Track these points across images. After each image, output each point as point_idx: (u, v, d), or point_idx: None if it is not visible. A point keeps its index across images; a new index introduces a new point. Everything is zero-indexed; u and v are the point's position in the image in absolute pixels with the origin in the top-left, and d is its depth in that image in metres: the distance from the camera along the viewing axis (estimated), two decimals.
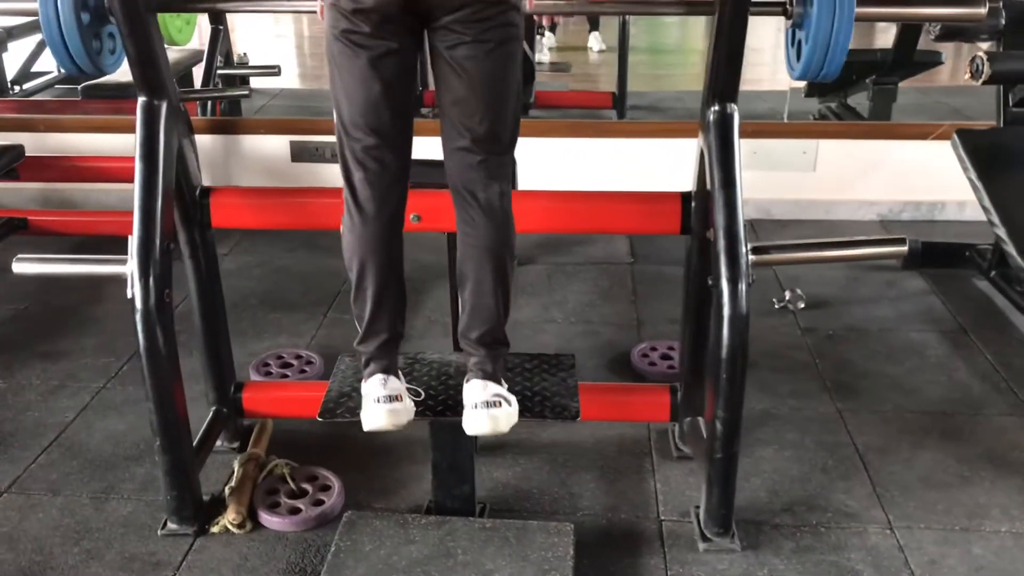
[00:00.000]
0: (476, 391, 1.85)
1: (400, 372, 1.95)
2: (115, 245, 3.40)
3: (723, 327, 1.88)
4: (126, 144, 3.71)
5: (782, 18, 1.94)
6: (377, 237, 1.80)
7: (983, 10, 1.84)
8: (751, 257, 1.89)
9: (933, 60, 4.50)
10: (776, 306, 3.11)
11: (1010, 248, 2.67)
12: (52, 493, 2.23)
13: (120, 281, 2.93)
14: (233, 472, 2.23)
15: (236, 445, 2.39)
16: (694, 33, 8.23)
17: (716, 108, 1.92)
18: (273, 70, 4.42)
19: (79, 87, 4.38)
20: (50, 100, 4.69)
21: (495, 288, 1.83)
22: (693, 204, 2.09)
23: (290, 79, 5.90)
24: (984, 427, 2.47)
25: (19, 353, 2.87)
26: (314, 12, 1.84)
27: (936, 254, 3.40)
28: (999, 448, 2.38)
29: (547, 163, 3.56)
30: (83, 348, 2.91)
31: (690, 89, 6.53)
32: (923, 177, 3.83)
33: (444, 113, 1.77)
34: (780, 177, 3.72)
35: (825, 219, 3.89)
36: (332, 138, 3.93)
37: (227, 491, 2.17)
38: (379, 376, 1.86)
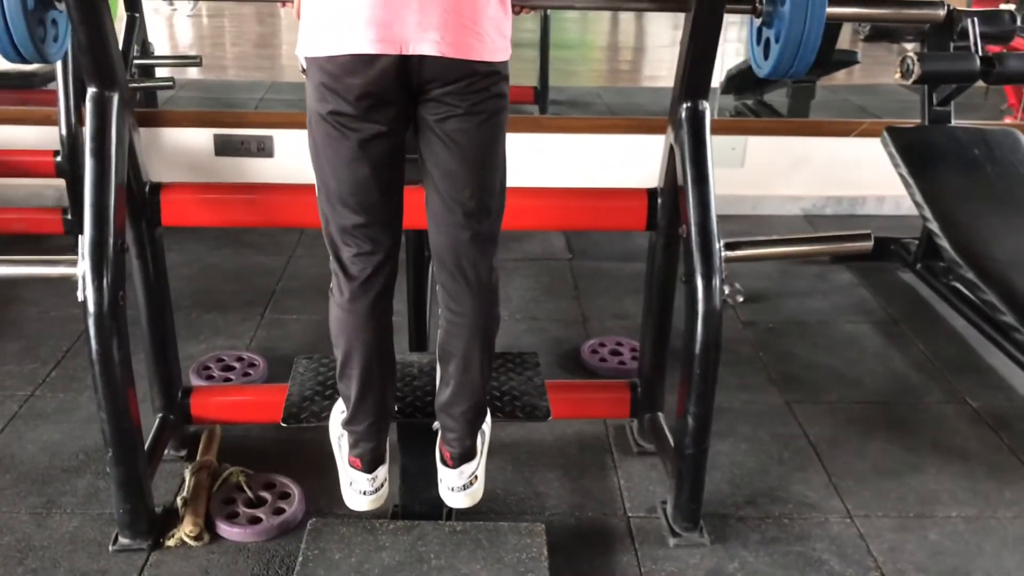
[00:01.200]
0: (452, 478, 1.85)
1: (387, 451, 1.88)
2: (26, 246, 3.24)
3: (697, 323, 1.89)
4: (35, 136, 3.54)
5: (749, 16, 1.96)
6: (367, 313, 1.69)
7: (942, 12, 1.90)
8: (724, 253, 1.90)
9: (850, 59, 4.66)
10: None
11: (943, 242, 2.77)
12: None
13: (32, 282, 2.79)
14: (184, 481, 2.13)
15: (184, 453, 2.28)
16: (595, 28, 8.33)
17: (688, 105, 1.93)
18: (195, 59, 4.25)
19: None
20: None
21: (482, 366, 1.76)
22: (660, 200, 2.10)
23: (203, 69, 5.71)
24: (925, 416, 2.56)
25: None
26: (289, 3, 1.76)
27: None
28: (941, 436, 2.47)
29: None
30: (4, 353, 2.74)
31: (606, 85, 6.64)
32: (845, 173, 3.95)
33: (432, 186, 1.67)
34: None
35: (752, 214, 3.98)
36: (259, 131, 3.83)
37: (180, 502, 2.07)
38: (368, 475, 1.82)
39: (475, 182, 1.64)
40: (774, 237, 2.10)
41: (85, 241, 1.81)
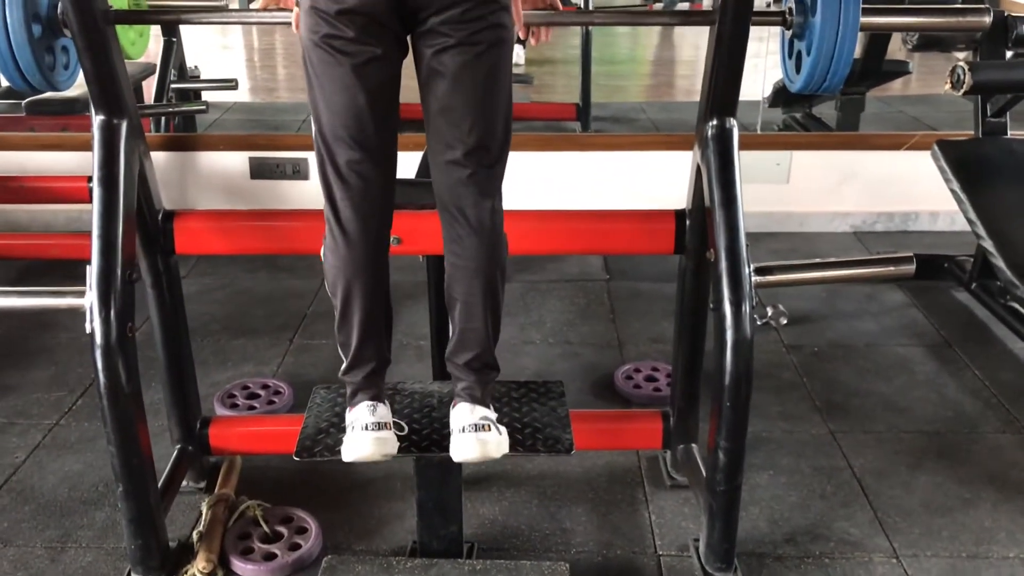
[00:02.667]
0: (463, 415, 1.73)
1: (386, 400, 1.81)
2: (65, 269, 3.23)
3: (726, 352, 1.78)
4: (74, 162, 3.56)
5: (780, 28, 1.86)
6: (362, 259, 1.67)
7: (987, 19, 1.78)
8: (754, 278, 1.80)
9: (901, 70, 4.50)
10: (759, 323, 3.03)
11: (998, 261, 2.61)
12: (2, 544, 2.06)
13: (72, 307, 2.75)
14: (201, 515, 2.08)
15: (203, 485, 2.24)
16: (645, 42, 8.24)
17: (715, 123, 1.83)
18: (230, 83, 4.26)
19: (23, 103, 4.19)
20: None
21: (485, 311, 1.72)
22: (688, 222, 2.00)
23: (242, 92, 5.73)
24: (980, 446, 2.41)
25: None
26: (288, 24, 1.71)
27: (916, 266, 3.35)
28: (998, 468, 2.32)
29: (515, 178, 3.46)
30: (32, 382, 2.73)
31: (650, 100, 6.54)
32: (896, 188, 3.80)
33: (430, 124, 1.65)
34: (753, 189, 3.60)
35: (799, 231, 3.84)
36: (293, 154, 3.81)
37: (195, 536, 2.03)
38: (367, 403, 1.73)
39: (473, 117, 1.60)
40: (809, 261, 1.99)
41: (92, 271, 1.77)
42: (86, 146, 3.45)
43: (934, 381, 2.73)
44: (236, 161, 3.73)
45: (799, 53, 1.83)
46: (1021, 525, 2.11)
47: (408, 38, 1.60)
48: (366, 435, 1.71)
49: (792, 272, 1.90)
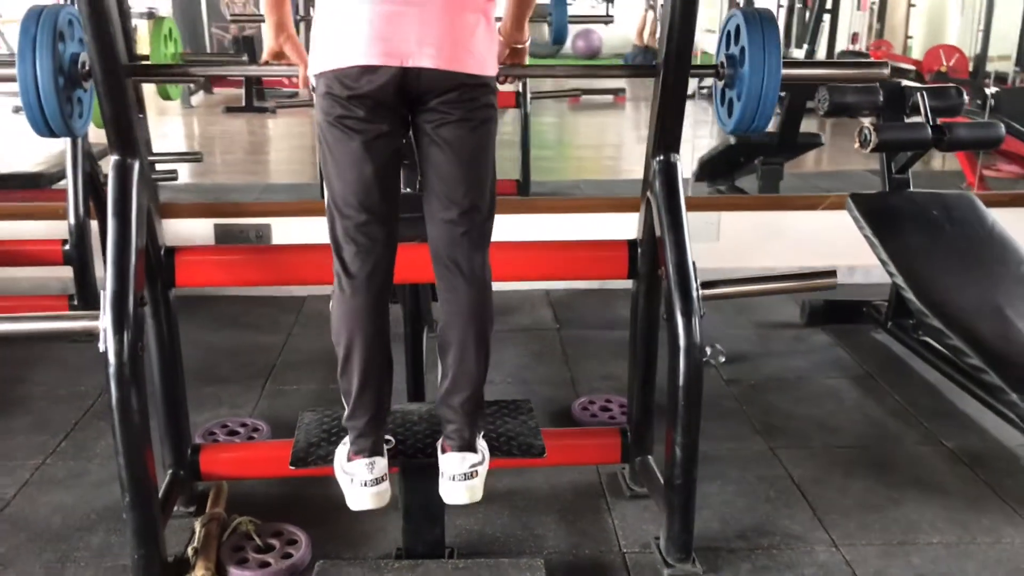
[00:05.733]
0: (454, 464, 1.92)
1: (385, 451, 1.97)
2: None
3: (679, 357, 2.02)
4: (41, 229, 3.70)
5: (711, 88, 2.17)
6: (365, 309, 1.85)
7: (886, 71, 2.10)
8: (701, 291, 2.06)
9: (814, 142, 4.92)
10: None
11: (908, 293, 2.94)
12: (2, 567, 2.15)
13: (39, 364, 2.92)
14: (195, 533, 2.21)
15: (192, 509, 2.36)
16: (575, 130, 8.69)
17: (661, 158, 2.11)
18: (196, 156, 4.46)
19: None
20: None
21: (478, 353, 1.91)
22: (640, 250, 2.26)
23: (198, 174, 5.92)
24: (904, 457, 2.68)
25: None
26: (295, 76, 1.95)
27: (837, 311, 3.69)
28: (920, 473, 2.58)
29: None
30: (12, 429, 2.82)
31: (584, 178, 6.90)
32: (815, 244, 4.13)
33: (430, 189, 1.88)
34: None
35: None
36: (256, 220, 4.00)
37: (191, 552, 2.15)
38: (366, 461, 1.91)
39: (468, 182, 1.84)
40: (746, 276, 2.26)
41: (107, 295, 1.94)
42: (53, 215, 3.64)
43: (860, 406, 3.01)
44: (202, 228, 3.91)
45: (731, 100, 2.12)
46: (943, 518, 2.36)
47: (410, 117, 1.84)
48: (365, 491, 1.91)
49: (732, 286, 2.16)
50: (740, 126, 2.09)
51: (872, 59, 7.50)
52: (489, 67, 1.82)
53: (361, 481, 1.91)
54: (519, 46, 2.04)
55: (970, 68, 6.91)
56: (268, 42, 1.95)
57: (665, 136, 2.10)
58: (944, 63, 6.95)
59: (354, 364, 1.89)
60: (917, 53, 8.00)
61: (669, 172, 2.10)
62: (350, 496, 1.93)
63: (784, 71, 2.03)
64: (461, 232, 1.87)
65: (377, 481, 1.91)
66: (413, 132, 1.87)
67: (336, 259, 1.88)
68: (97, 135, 3.14)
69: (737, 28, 2.06)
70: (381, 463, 1.93)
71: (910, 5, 8.82)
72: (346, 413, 1.96)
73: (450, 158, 1.83)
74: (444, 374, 1.97)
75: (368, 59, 1.72)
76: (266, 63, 2.00)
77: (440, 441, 2.00)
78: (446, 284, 1.92)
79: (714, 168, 5.07)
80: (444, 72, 1.74)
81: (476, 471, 1.93)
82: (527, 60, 2.10)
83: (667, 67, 2.04)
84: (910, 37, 8.74)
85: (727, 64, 2.11)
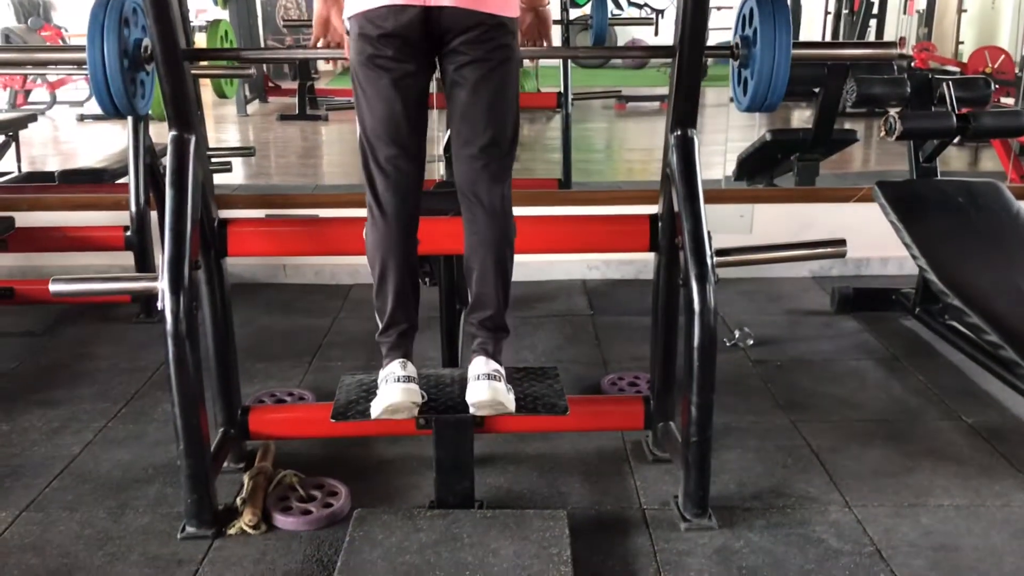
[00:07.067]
0: (479, 365, 2.09)
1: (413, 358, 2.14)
2: (96, 313, 3.63)
3: (694, 319, 2.15)
4: (103, 218, 3.93)
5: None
6: (397, 235, 2.06)
7: (895, 51, 2.21)
8: (715, 259, 2.18)
9: (850, 138, 4.99)
10: (727, 344, 3.40)
11: (931, 275, 3.02)
12: (69, 510, 2.34)
13: (103, 340, 3.11)
14: (243, 485, 2.37)
15: (242, 466, 2.53)
16: (616, 135, 8.81)
17: (678, 133, 2.24)
18: (248, 150, 4.68)
19: (55, 173, 4.60)
20: (31, 186, 4.86)
21: (496, 278, 2.09)
22: (660, 224, 2.39)
23: (251, 175, 6.16)
24: (922, 430, 2.76)
25: (17, 403, 2.97)
26: (343, 58, 2.12)
27: (866, 298, 3.76)
28: (936, 445, 2.66)
29: None
30: (79, 397, 3.03)
31: (625, 179, 7.02)
32: (848, 236, 4.15)
33: (453, 125, 2.07)
34: (720, 239, 4.04)
35: (763, 276, 4.23)
36: (306, 211, 4.19)
37: (239, 501, 2.32)
38: (398, 360, 2.08)
39: (487, 120, 2.00)
40: (759, 244, 2.37)
41: (165, 259, 2.13)
42: (116, 206, 3.86)
43: (883, 385, 3.09)
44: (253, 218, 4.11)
45: (745, 79, 2.25)
46: (955, 484, 2.44)
47: (436, 59, 2.02)
48: (397, 385, 2.06)
49: (745, 253, 2.28)
50: (754, 103, 2.21)
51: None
52: (509, 8, 1.96)
53: (394, 376, 2.07)
54: (541, 8, 2.19)
55: (1016, 71, 6.91)
56: (317, 7, 2.12)
57: (682, 112, 2.23)
58: (989, 64, 6.95)
59: (387, 285, 2.09)
60: (968, 58, 8.00)
61: (686, 146, 2.23)
62: (383, 393, 2.07)
63: (795, 51, 2.15)
64: (481, 165, 2.04)
65: (408, 379, 2.07)
66: (441, 78, 2.05)
67: (368, 191, 2.07)
68: (157, 135, 3.39)
69: (751, 12, 2.19)
70: (411, 367, 2.10)
71: (961, 10, 8.81)
72: (380, 328, 2.14)
73: (471, 97, 1.99)
74: (469, 295, 2.15)
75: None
76: (314, 46, 2.18)
77: (470, 357, 2.16)
78: (468, 215, 2.09)
79: (752, 166, 5.15)
80: (464, 10, 1.90)
81: (499, 373, 2.08)
82: (551, 27, 2.24)
83: (682, 47, 2.17)
84: (961, 42, 8.74)
85: (741, 44, 2.23)
